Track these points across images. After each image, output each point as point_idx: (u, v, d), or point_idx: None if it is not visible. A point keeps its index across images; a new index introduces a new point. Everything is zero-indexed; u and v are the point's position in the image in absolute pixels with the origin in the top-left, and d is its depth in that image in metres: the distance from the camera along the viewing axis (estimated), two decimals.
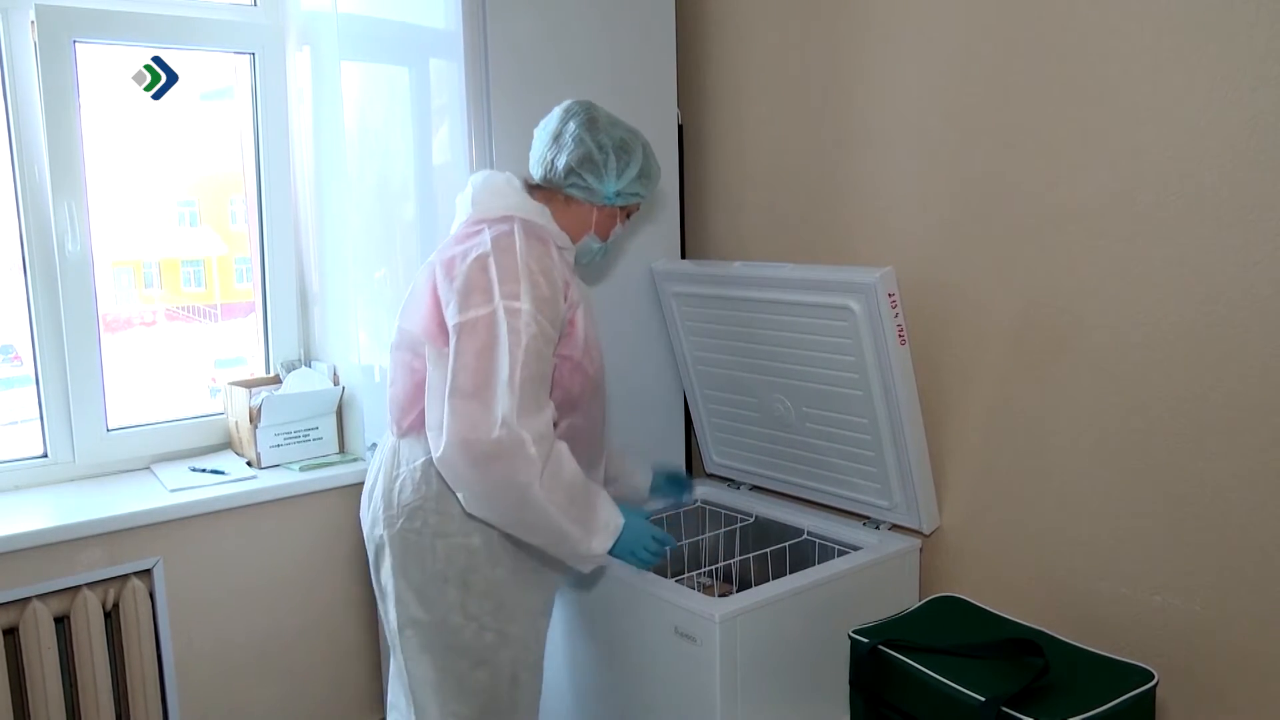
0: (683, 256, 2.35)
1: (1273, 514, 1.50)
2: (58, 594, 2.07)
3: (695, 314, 2.15)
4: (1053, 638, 1.61)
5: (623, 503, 1.65)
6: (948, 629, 1.64)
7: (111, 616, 2.15)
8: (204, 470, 2.36)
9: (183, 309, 2.63)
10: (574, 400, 1.62)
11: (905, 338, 1.81)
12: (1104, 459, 1.68)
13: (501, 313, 1.48)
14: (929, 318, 1.90)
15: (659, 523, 2.08)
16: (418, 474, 1.60)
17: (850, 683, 1.63)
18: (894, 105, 1.93)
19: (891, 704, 1.56)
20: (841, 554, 1.93)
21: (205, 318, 2.67)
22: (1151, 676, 1.47)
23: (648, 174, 1.69)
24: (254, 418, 2.37)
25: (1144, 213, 1.59)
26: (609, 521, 1.58)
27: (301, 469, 2.38)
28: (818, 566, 1.84)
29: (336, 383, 2.53)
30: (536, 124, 1.70)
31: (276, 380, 2.58)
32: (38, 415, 2.30)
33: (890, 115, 1.93)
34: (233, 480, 2.30)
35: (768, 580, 1.77)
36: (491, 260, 1.52)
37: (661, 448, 2.34)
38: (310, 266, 2.61)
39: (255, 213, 2.59)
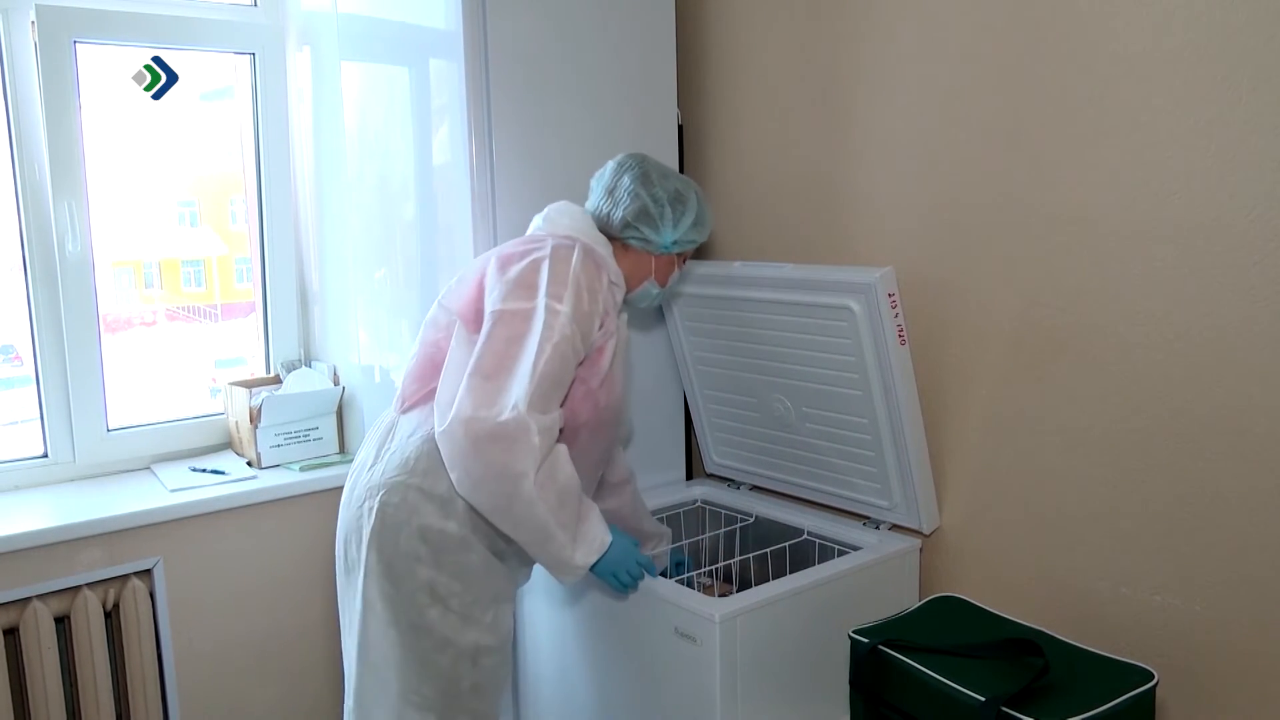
0: None
1: (1273, 514, 1.50)
2: (58, 594, 2.07)
3: (695, 314, 2.15)
4: (1053, 638, 1.61)
5: (614, 524, 1.66)
6: (948, 629, 1.64)
7: (112, 616, 2.15)
8: (204, 470, 2.36)
9: (183, 309, 2.63)
10: (575, 428, 1.63)
11: (905, 338, 1.81)
12: (1104, 459, 1.68)
13: (542, 310, 1.54)
14: (929, 318, 1.91)
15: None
16: (409, 450, 1.62)
17: (850, 683, 1.63)
18: (894, 105, 1.93)
19: (891, 704, 1.56)
20: (841, 554, 1.93)
21: (205, 318, 2.66)
22: (1151, 676, 1.47)
23: (702, 221, 1.75)
24: (254, 418, 2.37)
25: (1144, 213, 1.59)
26: (596, 536, 1.58)
27: (302, 469, 2.38)
28: (818, 566, 1.83)
29: (337, 383, 2.53)
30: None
31: (277, 380, 2.58)
32: (38, 415, 2.30)
33: (891, 115, 1.94)
34: (233, 480, 2.30)
35: (768, 580, 1.77)
36: (546, 264, 1.58)
37: (661, 448, 2.34)
38: (310, 266, 2.61)
39: (255, 213, 2.59)
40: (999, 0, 1.74)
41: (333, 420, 2.50)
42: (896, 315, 1.78)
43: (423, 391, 1.67)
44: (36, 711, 2.05)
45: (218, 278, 2.67)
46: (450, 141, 2.00)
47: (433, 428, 1.59)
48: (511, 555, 1.67)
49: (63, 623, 2.09)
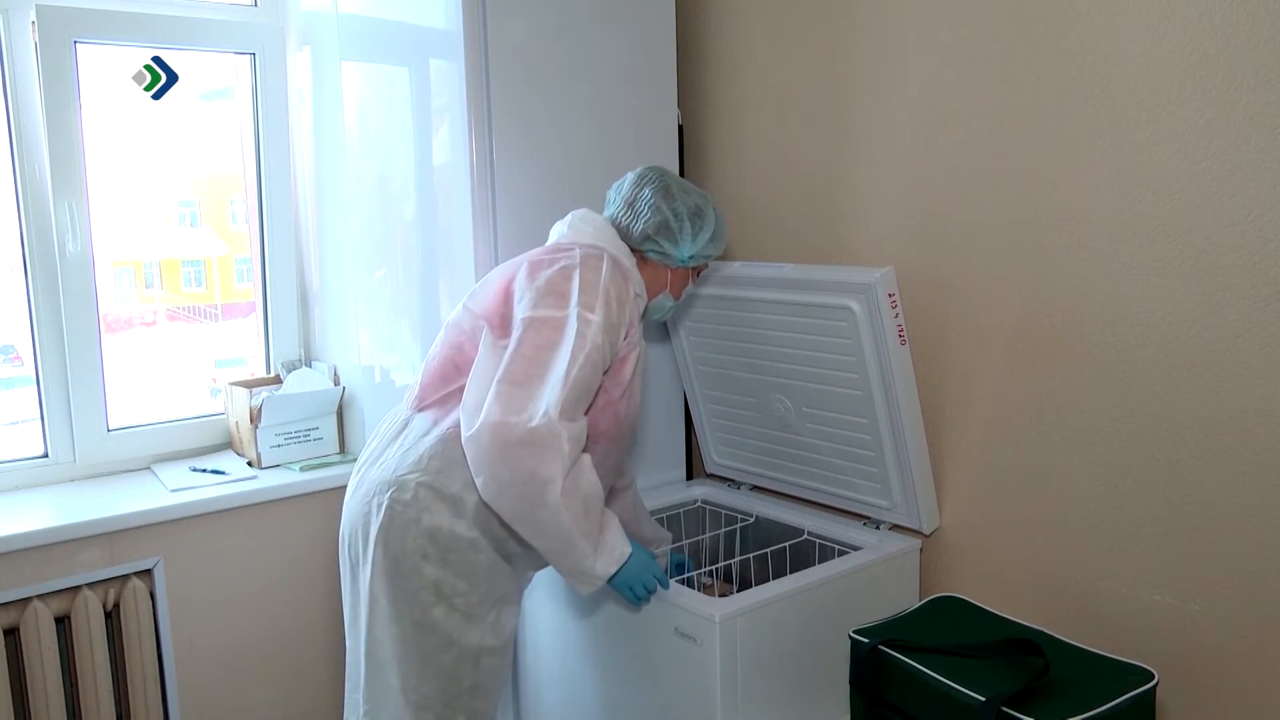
0: None
1: (1272, 514, 1.50)
2: (58, 594, 2.07)
3: (695, 314, 2.15)
4: (1052, 638, 1.61)
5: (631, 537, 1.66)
6: (948, 629, 1.64)
7: (112, 616, 2.15)
8: (204, 470, 2.36)
9: (183, 309, 2.63)
10: (594, 437, 1.63)
11: (905, 338, 1.81)
12: (1104, 459, 1.68)
13: (574, 318, 1.54)
14: (929, 318, 1.91)
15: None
16: (423, 448, 1.61)
17: (850, 683, 1.63)
18: (894, 105, 1.93)
19: (891, 704, 1.56)
20: (841, 554, 1.93)
21: (205, 318, 2.67)
22: (1151, 676, 1.47)
23: (719, 236, 1.76)
24: (254, 418, 2.38)
25: (1144, 213, 1.59)
26: (617, 547, 1.58)
27: (302, 469, 2.38)
28: (818, 566, 1.83)
29: (337, 383, 2.53)
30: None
31: (277, 380, 2.58)
32: (38, 415, 2.31)
33: (890, 115, 1.93)
34: (233, 480, 2.30)
35: (768, 580, 1.77)
36: (577, 273, 1.59)
37: (662, 448, 2.34)
38: (310, 266, 2.61)
39: (255, 213, 2.59)
40: (999, 0, 1.74)
41: (333, 420, 2.50)
42: (896, 315, 1.78)
43: (442, 392, 1.67)
44: (36, 711, 2.05)
45: (218, 278, 2.67)
46: (450, 141, 2.00)
47: (448, 427, 1.60)
48: (519, 558, 1.67)
49: (63, 623, 2.09)
